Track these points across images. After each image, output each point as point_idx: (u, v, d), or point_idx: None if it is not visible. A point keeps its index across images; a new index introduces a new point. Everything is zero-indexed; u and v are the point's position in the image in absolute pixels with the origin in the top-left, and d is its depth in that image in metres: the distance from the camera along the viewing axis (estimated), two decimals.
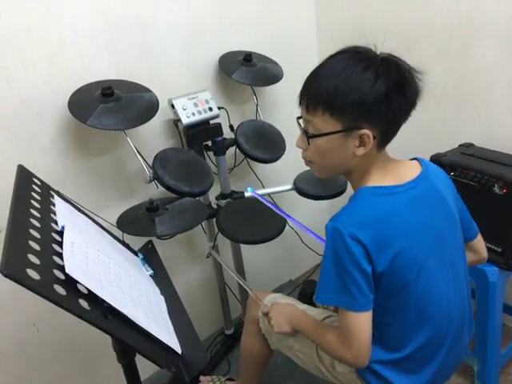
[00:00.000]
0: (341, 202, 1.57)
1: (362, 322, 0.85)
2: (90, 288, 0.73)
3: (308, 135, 0.87)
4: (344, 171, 0.92)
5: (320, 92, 0.82)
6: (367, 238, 0.81)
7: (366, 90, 0.79)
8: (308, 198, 1.55)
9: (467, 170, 1.31)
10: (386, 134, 0.86)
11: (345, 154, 0.86)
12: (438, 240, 0.91)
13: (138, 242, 1.22)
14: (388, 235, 0.83)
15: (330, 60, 0.85)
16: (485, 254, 1.07)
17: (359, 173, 0.90)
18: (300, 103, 0.88)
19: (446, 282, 0.93)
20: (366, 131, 0.82)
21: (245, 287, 1.28)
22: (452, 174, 1.34)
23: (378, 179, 0.88)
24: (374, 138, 0.83)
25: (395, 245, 0.84)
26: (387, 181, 0.87)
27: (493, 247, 1.31)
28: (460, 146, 1.47)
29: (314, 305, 1.74)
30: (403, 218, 0.86)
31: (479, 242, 1.05)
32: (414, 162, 0.95)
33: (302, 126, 0.90)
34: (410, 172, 0.91)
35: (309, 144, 0.88)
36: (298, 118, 0.91)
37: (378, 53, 0.84)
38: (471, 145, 1.46)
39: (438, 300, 0.91)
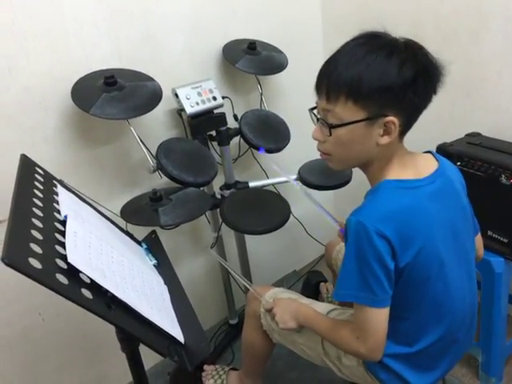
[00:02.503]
0: (346, 192, 1.58)
1: (379, 317, 0.84)
2: (93, 277, 0.73)
3: (330, 125, 0.82)
4: (363, 163, 0.89)
5: (343, 79, 0.79)
6: (392, 234, 0.79)
7: (393, 76, 0.77)
8: (313, 188, 1.53)
9: (474, 160, 1.30)
10: (409, 121, 0.84)
11: (367, 144, 0.83)
12: (454, 236, 0.90)
13: (141, 232, 1.22)
14: (412, 230, 0.82)
15: (348, 46, 0.82)
16: (481, 252, 1.06)
17: (379, 165, 0.87)
18: (317, 93, 0.84)
19: (462, 279, 0.92)
20: (392, 118, 0.79)
21: (244, 283, 1.26)
22: (459, 163, 1.33)
23: (399, 172, 0.86)
24: (400, 125, 0.80)
25: (418, 240, 0.82)
26: (407, 174, 0.85)
27: (499, 238, 1.29)
28: (467, 135, 1.45)
29: (317, 296, 1.74)
30: (425, 213, 0.84)
31: (478, 240, 1.04)
32: (429, 155, 0.94)
33: (320, 116, 0.86)
34: (428, 166, 0.89)
35: (330, 135, 0.84)
36: (312, 108, 0.87)
37: (397, 37, 0.81)
38: (478, 134, 1.44)
39: (454, 297, 0.90)
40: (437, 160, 0.92)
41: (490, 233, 1.31)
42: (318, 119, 0.87)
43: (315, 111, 0.88)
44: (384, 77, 0.77)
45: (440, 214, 0.86)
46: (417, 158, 0.90)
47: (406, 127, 0.84)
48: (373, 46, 0.79)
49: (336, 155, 0.88)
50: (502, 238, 1.29)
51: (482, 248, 1.07)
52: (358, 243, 0.81)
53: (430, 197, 0.85)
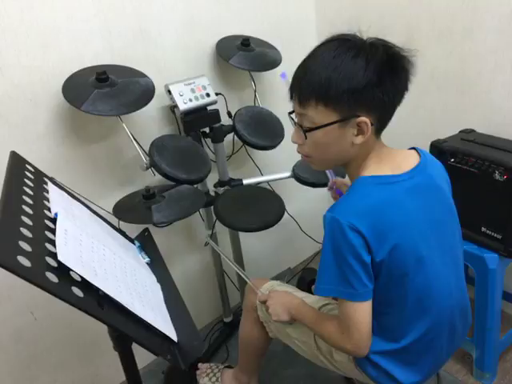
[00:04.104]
0: None
1: (362, 311, 0.85)
2: (83, 275, 0.72)
3: (304, 129, 0.85)
4: (342, 162, 0.91)
5: (312, 84, 0.81)
6: (366, 228, 0.80)
7: (359, 77, 0.78)
8: (306, 185, 1.53)
9: (468, 157, 1.30)
10: (383, 119, 0.85)
11: (343, 145, 0.85)
12: (437, 230, 0.90)
13: (134, 229, 1.21)
14: (387, 225, 0.82)
15: (318, 51, 0.84)
16: None
17: (357, 163, 0.89)
18: (291, 98, 0.87)
19: (447, 273, 0.92)
20: (364, 118, 0.80)
21: (242, 276, 1.27)
22: (452, 160, 1.32)
23: (375, 168, 0.87)
24: (372, 124, 0.81)
25: (394, 235, 0.83)
26: (384, 170, 0.86)
27: (492, 234, 1.30)
28: (461, 131, 1.45)
29: (311, 292, 1.74)
30: (402, 207, 0.85)
31: None
32: (412, 151, 0.94)
33: (296, 120, 0.88)
34: (407, 161, 0.90)
35: (306, 138, 0.86)
36: (290, 112, 0.90)
37: (365, 38, 0.83)
38: (472, 131, 1.45)
39: (438, 291, 0.90)
40: (420, 156, 0.92)
41: (483, 229, 1.31)
42: (295, 123, 0.89)
43: (293, 115, 0.89)
44: (351, 79, 0.78)
45: (419, 209, 0.87)
46: (395, 154, 0.91)
47: (380, 125, 0.85)
48: (340, 48, 0.80)
49: (315, 157, 0.90)
50: (495, 234, 1.29)
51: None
52: (333, 239, 0.82)
53: (408, 192, 0.86)
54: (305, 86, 0.82)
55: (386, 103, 0.81)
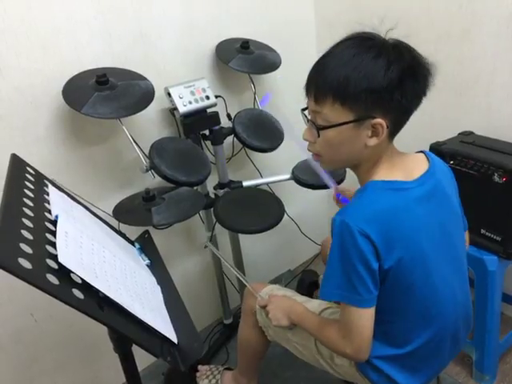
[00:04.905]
0: None
1: (364, 317, 0.84)
2: (84, 277, 0.72)
3: (318, 127, 0.83)
4: (353, 163, 0.89)
5: (330, 81, 0.79)
6: (376, 234, 0.79)
7: (380, 78, 0.76)
8: (306, 187, 1.53)
9: (467, 159, 1.30)
10: (398, 123, 0.83)
11: (356, 146, 0.83)
12: (444, 237, 0.89)
13: (134, 231, 1.21)
14: (397, 232, 0.82)
15: (337, 48, 0.82)
16: (467, 247, 1.05)
17: (368, 165, 0.87)
18: (307, 94, 0.85)
19: (453, 279, 0.92)
20: (380, 120, 0.79)
21: (242, 280, 1.27)
22: (452, 162, 1.33)
23: (387, 173, 0.86)
24: (387, 127, 0.80)
25: (404, 243, 0.82)
26: (396, 175, 0.85)
27: (492, 236, 1.30)
28: (460, 134, 1.46)
29: (311, 295, 1.74)
30: (412, 215, 0.84)
31: (466, 237, 1.03)
32: (421, 155, 0.93)
33: (309, 117, 0.87)
34: (418, 167, 0.89)
35: (319, 136, 0.84)
36: (303, 109, 0.88)
37: (386, 38, 0.81)
38: (471, 133, 1.45)
39: (444, 298, 0.90)
40: (428, 160, 0.92)
41: (483, 231, 1.32)
42: (308, 120, 0.87)
43: (306, 112, 0.88)
44: (371, 79, 0.77)
45: (428, 217, 0.86)
46: (407, 159, 0.90)
47: (395, 128, 0.84)
48: (361, 47, 0.79)
49: (326, 156, 0.89)
50: (495, 236, 1.29)
51: (468, 243, 1.07)
52: (342, 243, 0.81)
53: (417, 200, 0.85)
54: (322, 83, 0.80)
55: (403, 106, 0.80)
